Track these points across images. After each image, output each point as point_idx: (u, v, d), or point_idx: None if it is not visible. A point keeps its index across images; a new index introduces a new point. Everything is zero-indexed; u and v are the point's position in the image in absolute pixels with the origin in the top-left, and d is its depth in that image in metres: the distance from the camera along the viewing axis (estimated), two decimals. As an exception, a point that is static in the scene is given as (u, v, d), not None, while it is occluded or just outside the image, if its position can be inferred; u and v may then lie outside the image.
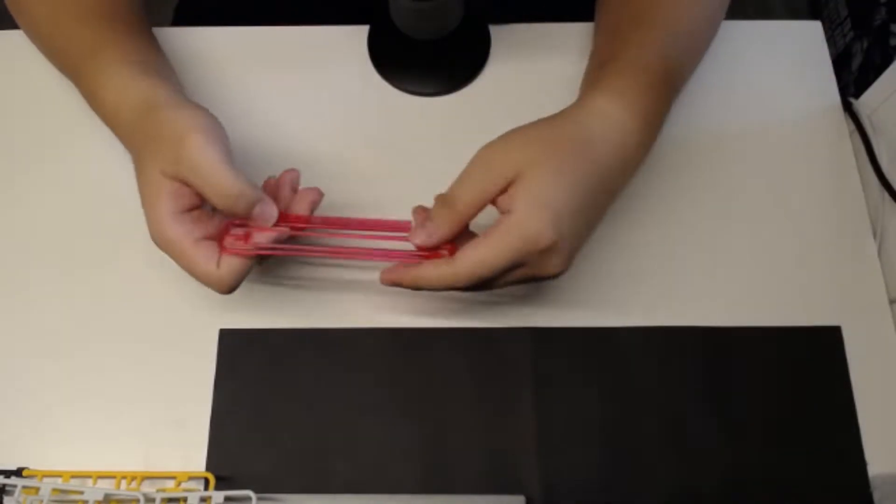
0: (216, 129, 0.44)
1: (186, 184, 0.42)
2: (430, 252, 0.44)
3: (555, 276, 0.43)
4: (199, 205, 0.43)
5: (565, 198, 0.41)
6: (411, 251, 0.44)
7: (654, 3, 0.50)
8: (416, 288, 0.43)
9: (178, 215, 0.42)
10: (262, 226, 0.43)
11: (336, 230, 0.47)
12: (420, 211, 0.46)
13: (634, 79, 0.46)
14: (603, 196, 0.44)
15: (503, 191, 0.42)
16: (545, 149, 0.42)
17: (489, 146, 0.43)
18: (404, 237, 0.44)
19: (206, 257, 0.42)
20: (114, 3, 0.51)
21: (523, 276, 0.43)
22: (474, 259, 0.41)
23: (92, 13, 0.50)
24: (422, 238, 0.43)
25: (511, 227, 0.41)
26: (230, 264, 0.42)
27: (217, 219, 0.44)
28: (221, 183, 0.41)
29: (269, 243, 0.43)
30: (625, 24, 0.51)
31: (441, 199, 0.43)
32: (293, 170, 0.47)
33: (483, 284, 0.42)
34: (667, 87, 0.48)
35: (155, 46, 0.53)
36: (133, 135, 0.45)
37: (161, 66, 0.51)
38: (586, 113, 0.45)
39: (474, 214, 0.42)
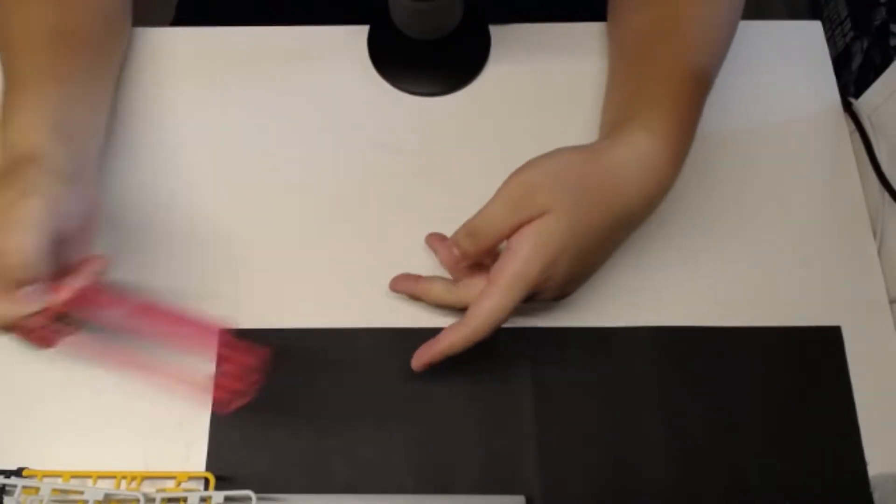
0: (58, 217, 0.42)
1: None
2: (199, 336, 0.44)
3: (555, 299, 0.47)
4: None
5: (575, 243, 0.43)
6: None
7: (674, 17, 0.50)
8: (448, 355, 0.45)
9: None
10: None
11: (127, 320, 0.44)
12: (435, 237, 0.50)
13: (671, 113, 0.46)
14: (621, 233, 0.46)
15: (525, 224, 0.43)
16: (573, 194, 0.43)
17: (518, 179, 0.43)
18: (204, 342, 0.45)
19: None
20: (76, 34, 0.50)
21: (537, 299, 0.46)
22: (487, 312, 0.43)
23: (56, 40, 0.49)
24: (446, 259, 0.48)
25: (517, 274, 0.42)
26: None
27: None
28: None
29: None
30: (647, 41, 0.50)
31: (466, 230, 0.44)
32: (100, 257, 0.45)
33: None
34: (697, 113, 0.48)
35: (93, 81, 0.51)
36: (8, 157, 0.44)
37: (85, 114, 0.49)
38: (626, 150, 0.45)
39: (496, 245, 0.44)
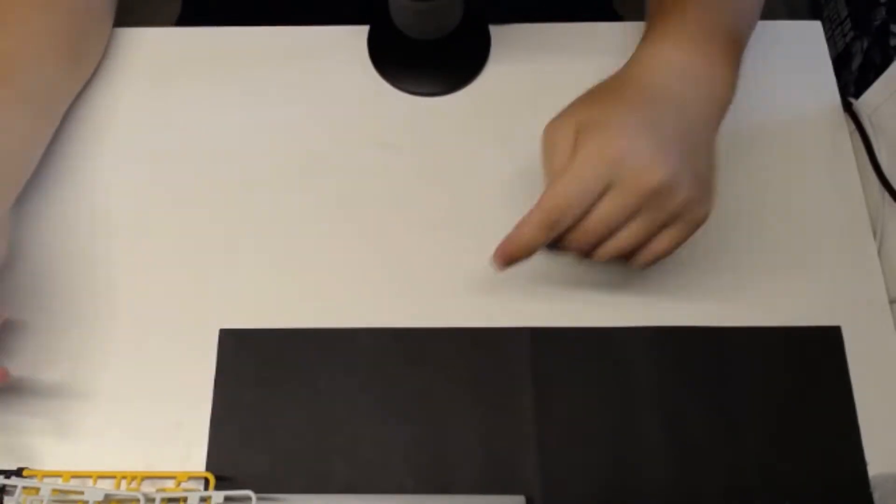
0: None
1: None
2: None
3: (696, 211, 0.43)
4: None
5: (621, 114, 0.42)
6: None
7: None
8: (528, 249, 0.42)
9: None
10: None
11: None
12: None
13: (701, 30, 0.46)
14: (697, 125, 0.44)
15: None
16: (603, 102, 0.43)
17: (552, 123, 0.43)
18: None
19: None
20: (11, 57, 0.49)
21: (632, 205, 0.42)
22: (547, 192, 0.41)
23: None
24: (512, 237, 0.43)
25: (590, 150, 0.41)
26: None
27: None
28: None
29: None
30: None
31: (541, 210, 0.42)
32: None
33: (590, 229, 0.42)
34: (736, 44, 0.48)
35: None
36: None
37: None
38: (647, 60, 0.45)
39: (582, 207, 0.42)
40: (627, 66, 0.46)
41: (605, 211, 0.41)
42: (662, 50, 0.46)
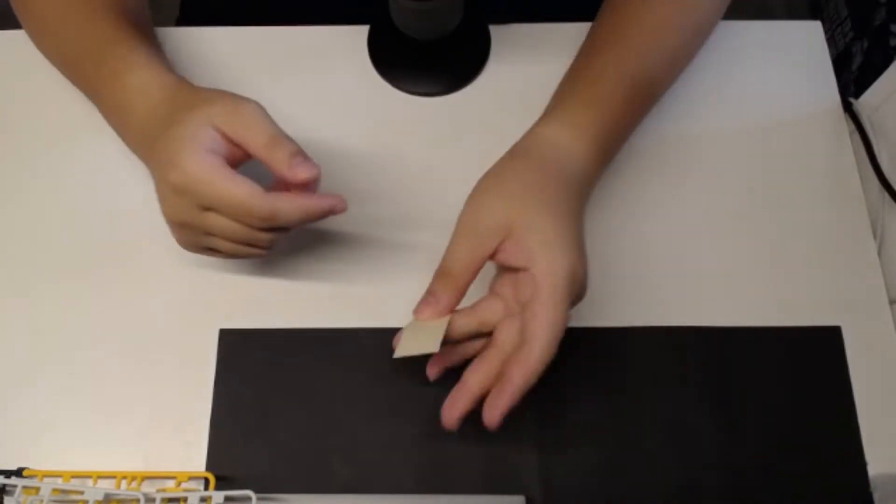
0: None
1: (236, 139, 0.41)
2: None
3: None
4: (233, 163, 0.43)
5: (564, 228, 0.43)
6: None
7: (636, 15, 0.51)
8: (526, 389, 0.41)
9: (215, 154, 0.41)
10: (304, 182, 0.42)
11: None
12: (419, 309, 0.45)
13: (590, 109, 0.48)
14: (577, 207, 0.46)
15: (499, 249, 0.43)
16: (523, 192, 0.44)
17: (469, 211, 0.44)
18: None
19: (246, 182, 0.41)
20: (126, 8, 0.51)
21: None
22: (545, 326, 0.40)
23: (109, 10, 0.50)
24: (428, 312, 0.43)
25: (548, 276, 0.41)
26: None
27: None
28: (269, 138, 0.41)
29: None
30: (604, 36, 0.53)
31: (438, 273, 0.44)
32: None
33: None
34: (631, 106, 0.51)
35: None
36: (172, 100, 0.44)
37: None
38: (538, 142, 0.47)
39: (472, 279, 0.43)
40: (523, 149, 0.48)
41: None
42: (549, 135, 0.48)
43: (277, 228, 0.43)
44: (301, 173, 0.41)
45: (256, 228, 0.42)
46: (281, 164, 0.41)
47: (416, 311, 0.43)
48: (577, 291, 0.42)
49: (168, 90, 0.45)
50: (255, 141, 0.41)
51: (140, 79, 0.46)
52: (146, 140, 0.45)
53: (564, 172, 0.46)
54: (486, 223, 0.43)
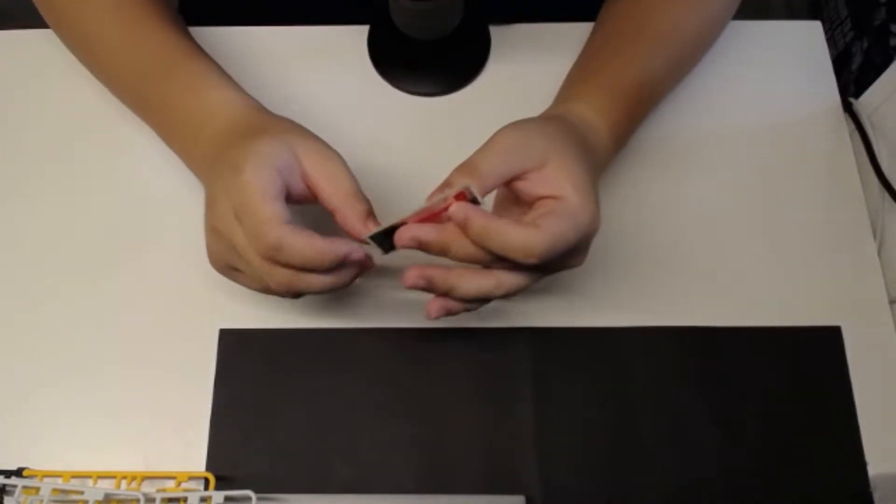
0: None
1: (317, 180, 0.42)
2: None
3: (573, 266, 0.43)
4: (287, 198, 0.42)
5: (593, 184, 0.41)
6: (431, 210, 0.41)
7: (650, 16, 0.52)
8: (502, 256, 0.38)
9: (281, 176, 0.41)
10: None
11: None
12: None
13: (613, 98, 0.49)
14: (598, 179, 0.45)
15: (523, 175, 0.40)
16: (563, 139, 0.43)
17: (509, 132, 0.42)
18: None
19: (279, 208, 0.39)
20: (178, 19, 0.52)
21: (562, 266, 0.42)
22: (555, 231, 0.38)
23: (168, 22, 0.51)
24: (436, 198, 0.40)
25: (577, 211, 0.39)
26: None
27: None
28: (354, 191, 0.42)
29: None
30: (617, 35, 0.53)
31: (463, 167, 0.40)
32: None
33: (542, 268, 0.40)
34: (641, 105, 0.51)
35: None
36: (247, 123, 0.45)
37: None
38: (569, 113, 0.47)
39: (494, 186, 0.40)
40: (557, 115, 0.47)
41: (551, 268, 0.42)
42: (581, 112, 0.48)
43: (308, 270, 0.40)
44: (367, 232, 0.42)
45: (266, 259, 0.40)
46: (357, 216, 0.42)
47: (428, 198, 0.41)
48: (582, 247, 0.41)
49: (250, 109, 0.46)
50: (339, 188, 0.42)
51: (220, 95, 0.47)
52: (217, 152, 0.44)
53: (591, 144, 0.46)
54: (525, 145, 0.41)
